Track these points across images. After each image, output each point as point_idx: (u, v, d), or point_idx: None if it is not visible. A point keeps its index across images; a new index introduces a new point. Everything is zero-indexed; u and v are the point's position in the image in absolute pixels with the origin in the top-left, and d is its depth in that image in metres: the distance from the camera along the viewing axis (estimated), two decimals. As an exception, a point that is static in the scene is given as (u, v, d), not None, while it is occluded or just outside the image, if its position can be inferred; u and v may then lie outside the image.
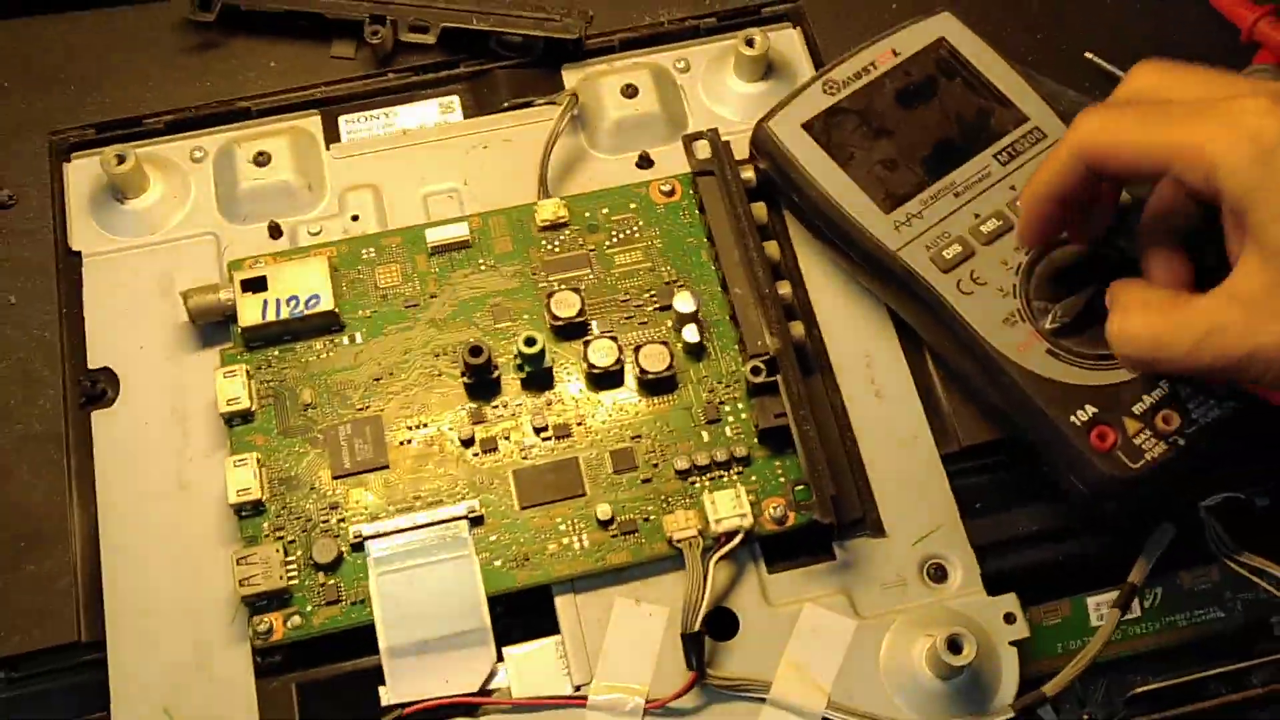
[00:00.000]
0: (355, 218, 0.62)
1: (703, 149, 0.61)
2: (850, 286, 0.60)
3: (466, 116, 0.65)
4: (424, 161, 0.64)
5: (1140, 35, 0.67)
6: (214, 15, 0.65)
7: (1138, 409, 0.52)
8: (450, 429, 0.56)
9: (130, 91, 0.65)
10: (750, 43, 0.64)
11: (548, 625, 0.54)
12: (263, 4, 0.65)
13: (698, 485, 0.55)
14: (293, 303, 0.57)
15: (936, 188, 0.57)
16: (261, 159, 0.62)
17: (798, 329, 0.57)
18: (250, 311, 0.57)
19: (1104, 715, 0.56)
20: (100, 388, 0.58)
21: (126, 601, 0.54)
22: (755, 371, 0.56)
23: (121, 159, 0.60)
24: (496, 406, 0.57)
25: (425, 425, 0.56)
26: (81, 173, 0.63)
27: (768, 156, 0.60)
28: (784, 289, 0.58)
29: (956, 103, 0.59)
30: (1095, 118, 0.49)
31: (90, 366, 0.59)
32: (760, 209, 0.60)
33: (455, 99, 0.66)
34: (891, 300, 0.59)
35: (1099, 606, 0.57)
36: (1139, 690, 0.56)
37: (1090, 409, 0.53)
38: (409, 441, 0.56)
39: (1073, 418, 0.52)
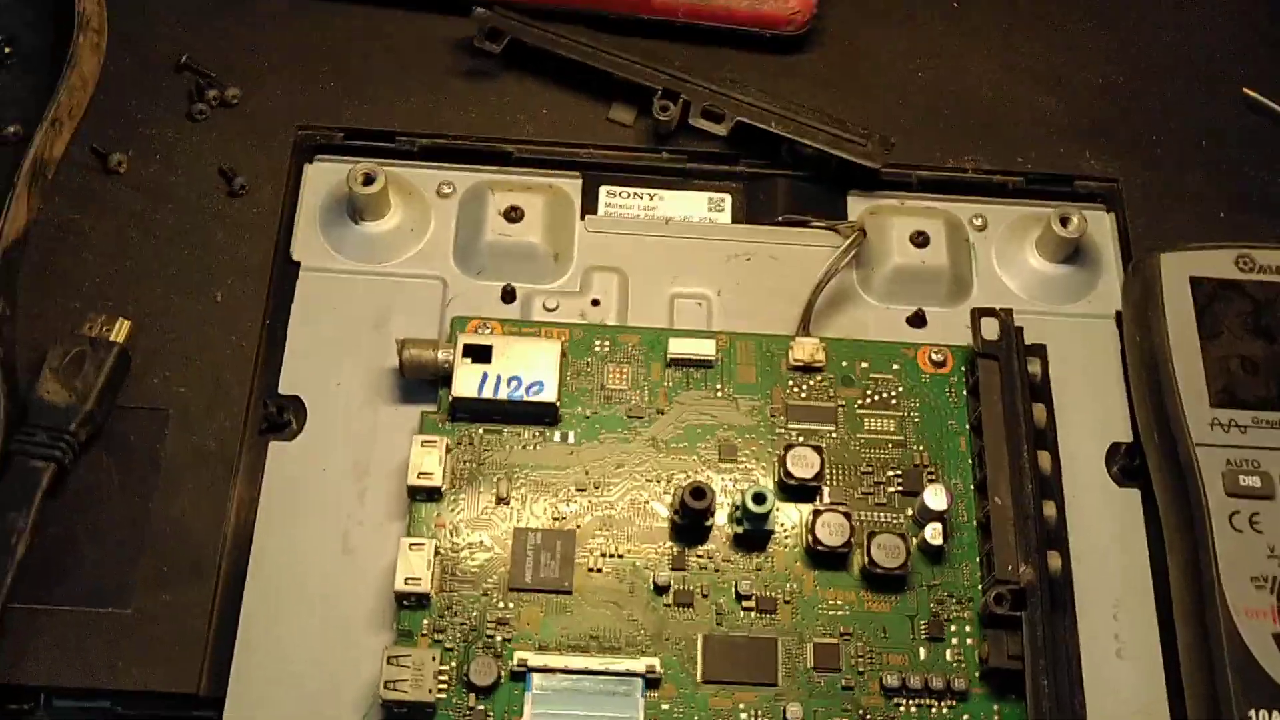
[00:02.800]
0: (596, 302, 0.56)
1: (990, 328, 0.55)
2: (1112, 518, 0.53)
3: (734, 219, 0.59)
4: (681, 258, 0.58)
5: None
6: (500, 48, 0.60)
7: None
8: (647, 568, 0.50)
9: (388, 102, 0.60)
10: (1065, 221, 0.57)
11: (702, 818, 0.48)
12: (552, 46, 0.60)
13: (902, 709, 0.49)
14: (514, 384, 0.52)
15: None
16: (514, 214, 0.57)
17: (1055, 561, 0.50)
18: (467, 382, 0.52)
19: None
20: (286, 416, 0.53)
21: (256, 661, 0.49)
22: (999, 600, 0.49)
23: (370, 179, 0.55)
24: (701, 556, 0.51)
25: (620, 556, 0.51)
26: (321, 178, 0.58)
27: (1138, 281, 0.55)
28: (1049, 509, 0.51)
29: None
30: None
31: (280, 391, 0.54)
32: (1040, 411, 0.53)
33: (728, 198, 0.60)
34: (1157, 488, 0.53)
35: None
36: None
37: (1276, 717, 0.46)
38: (598, 570, 0.50)
39: (1252, 713, 0.46)
